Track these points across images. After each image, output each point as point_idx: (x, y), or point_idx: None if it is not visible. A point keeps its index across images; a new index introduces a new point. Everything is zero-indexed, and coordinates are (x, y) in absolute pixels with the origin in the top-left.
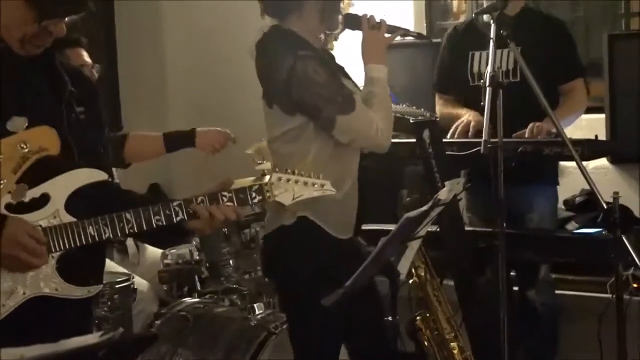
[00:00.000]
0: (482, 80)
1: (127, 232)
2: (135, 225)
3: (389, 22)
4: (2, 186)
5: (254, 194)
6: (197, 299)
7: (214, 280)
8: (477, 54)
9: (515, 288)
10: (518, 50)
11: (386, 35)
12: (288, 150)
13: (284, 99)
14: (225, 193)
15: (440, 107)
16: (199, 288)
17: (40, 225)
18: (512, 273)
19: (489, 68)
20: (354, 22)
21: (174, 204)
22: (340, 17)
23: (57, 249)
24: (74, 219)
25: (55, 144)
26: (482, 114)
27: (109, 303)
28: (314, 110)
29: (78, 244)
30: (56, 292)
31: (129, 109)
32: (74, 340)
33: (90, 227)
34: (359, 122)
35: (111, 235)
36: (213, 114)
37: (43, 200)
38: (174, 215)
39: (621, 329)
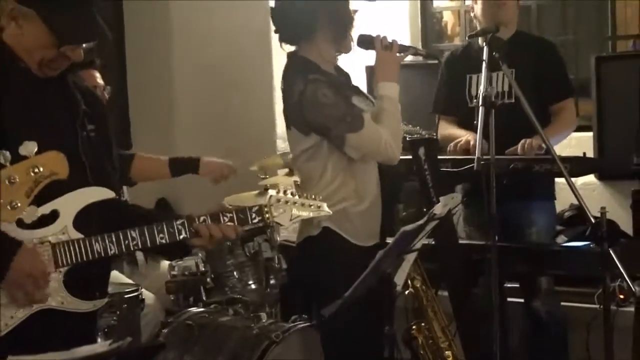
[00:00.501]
0: (474, 100)
1: (132, 248)
2: (140, 243)
3: (400, 42)
4: (17, 209)
5: (253, 215)
6: (202, 309)
7: (219, 291)
8: (474, 76)
9: (511, 299)
10: (510, 72)
11: (398, 54)
12: (308, 167)
13: (298, 120)
14: (227, 213)
15: (441, 129)
16: (204, 298)
17: (49, 241)
18: (507, 285)
19: (481, 88)
20: (366, 42)
21: (178, 222)
22: (352, 38)
23: (65, 264)
24: (82, 236)
25: (64, 168)
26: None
27: (118, 312)
28: (324, 130)
29: (85, 260)
30: (62, 305)
31: (137, 128)
32: (85, 348)
33: (97, 243)
34: (367, 139)
35: (117, 252)
36: (218, 133)
37: (52, 217)
38: (177, 234)
39: (608, 339)
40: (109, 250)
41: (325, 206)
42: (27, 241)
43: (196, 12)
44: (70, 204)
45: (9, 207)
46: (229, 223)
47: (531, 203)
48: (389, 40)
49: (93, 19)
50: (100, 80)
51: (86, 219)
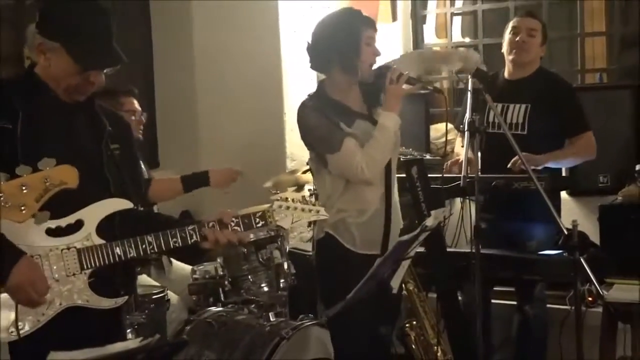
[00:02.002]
0: (461, 126)
1: (148, 252)
2: (155, 246)
3: (409, 75)
4: (25, 212)
5: (257, 219)
6: (220, 309)
7: (235, 293)
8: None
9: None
10: (526, 106)
11: (404, 86)
12: (315, 179)
13: (302, 138)
14: (233, 218)
15: (456, 146)
16: (222, 299)
17: (75, 247)
18: (501, 289)
19: (467, 115)
20: (381, 74)
21: (189, 228)
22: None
23: (89, 267)
24: (103, 241)
25: (74, 178)
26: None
27: (147, 312)
28: (311, 148)
29: (107, 262)
30: (87, 303)
31: (164, 147)
32: (118, 345)
33: (117, 247)
34: (342, 160)
35: (135, 255)
36: (236, 153)
37: (78, 226)
38: (188, 238)
39: (579, 336)
40: (128, 253)
41: (323, 210)
42: (56, 247)
43: (217, 47)
44: (93, 213)
45: (18, 210)
46: (235, 227)
47: (531, 221)
48: (402, 73)
49: (111, 47)
50: (137, 106)
51: (108, 227)
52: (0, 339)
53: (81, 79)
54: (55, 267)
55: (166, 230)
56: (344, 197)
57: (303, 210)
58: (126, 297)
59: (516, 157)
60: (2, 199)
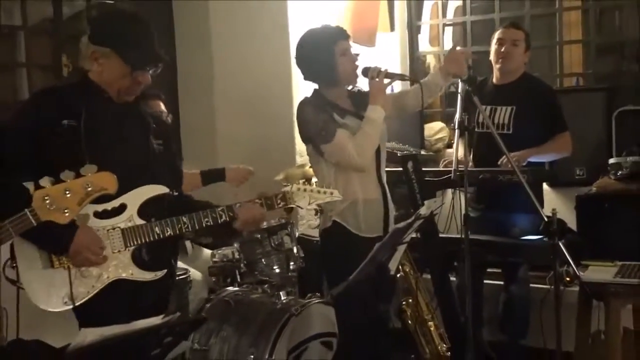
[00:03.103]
0: (451, 124)
1: (183, 230)
2: (190, 226)
3: (389, 71)
4: (68, 214)
5: (279, 200)
6: (237, 288)
7: (250, 274)
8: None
9: (486, 281)
10: (511, 108)
11: (385, 80)
12: (315, 170)
13: (300, 133)
14: (257, 200)
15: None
16: (238, 280)
17: (120, 227)
18: (490, 270)
19: (457, 116)
20: (365, 73)
21: (219, 209)
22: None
23: (132, 244)
24: (144, 222)
25: (113, 185)
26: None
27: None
28: (307, 141)
29: (148, 240)
30: (132, 276)
31: (187, 145)
32: (143, 321)
33: (157, 227)
34: (336, 149)
35: (172, 233)
36: (250, 149)
37: (122, 209)
38: (218, 218)
39: (558, 312)
40: (165, 232)
41: (337, 192)
42: (103, 227)
43: (233, 57)
44: (135, 198)
45: (61, 212)
46: (280, 202)
47: (516, 211)
48: (380, 69)
49: (154, 49)
50: (164, 108)
51: (149, 209)
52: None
53: (131, 80)
54: (109, 244)
55: (199, 211)
56: (345, 187)
57: (319, 192)
58: (165, 271)
59: (504, 157)
60: (48, 202)
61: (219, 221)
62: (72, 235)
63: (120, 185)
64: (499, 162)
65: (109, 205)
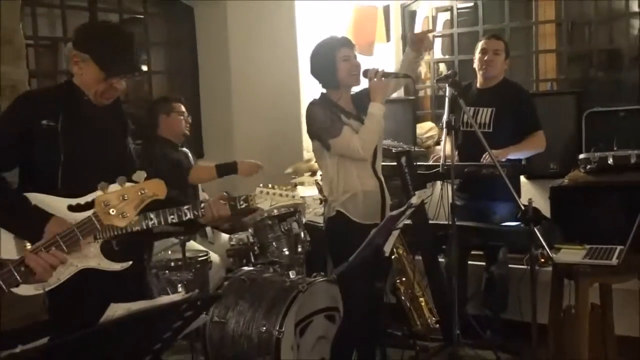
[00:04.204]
0: (440, 124)
1: (150, 226)
2: (156, 222)
3: (385, 71)
4: (126, 218)
5: (241, 202)
6: (251, 268)
7: (263, 256)
8: (466, 108)
9: (470, 262)
10: (492, 109)
11: (383, 79)
12: (319, 165)
13: (308, 130)
14: (222, 201)
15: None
16: (252, 261)
17: None
18: (473, 253)
19: (444, 116)
20: (365, 74)
21: (185, 207)
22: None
23: (101, 237)
24: None
25: (163, 191)
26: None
27: (193, 270)
28: (314, 137)
29: (115, 234)
30: (99, 265)
31: (208, 141)
32: (165, 297)
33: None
34: (342, 143)
35: (139, 228)
36: (262, 145)
37: (94, 203)
38: (184, 215)
39: (533, 289)
40: (133, 227)
41: (298, 193)
42: (74, 219)
43: (248, 63)
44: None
45: (120, 216)
46: (242, 204)
47: (496, 200)
48: (377, 70)
49: (131, 58)
50: (184, 109)
51: None
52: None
53: (106, 85)
54: None
55: (165, 208)
56: (346, 180)
57: (281, 195)
58: (130, 262)
59: (486, 153)
60: (108, 207)
61: (184, 219)
62: (44, 224)
63: (97, 182)
64: (482, 158)
65: (82, 200)
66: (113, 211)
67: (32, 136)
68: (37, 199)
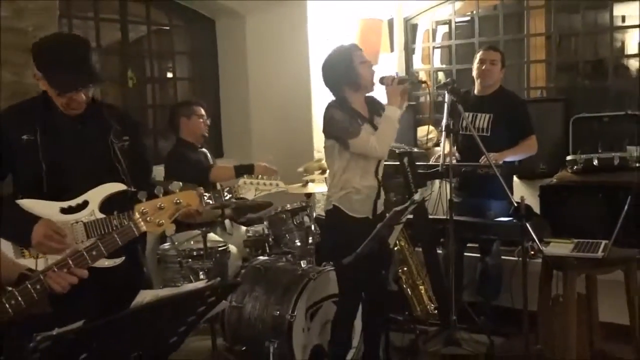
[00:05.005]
0: (439, 127)
1: None
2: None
3: (400, 76)
4: (161, 225)
5: (225, 193)
6: (266, 258)
7: (277, 247)
8: (465, 113)
9: (466, 254)
10: (489, 115)
11: (399, 85)
12: (327, 162)
13: (324, 129)
14: (206, 193)
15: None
16: (267, 251)
17: (82, 221)
18: (469, 245)
19: (443, 121)
20: (381, 80)
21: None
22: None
23: (93, 235)
24: (104, 216)
25: (196, 201)
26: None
27: (214, 260)
28: (332, 137)
29: (107, 231)
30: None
31: (227, 142)
32: (190, 285)
33: (115, 220)
34: (361, 143)
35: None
36: (277, 145)
37: (84, 205)
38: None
39: (524, 279)
40: (123, 223)
41: (281, 184)
42: (67, 221)
43: (264, 71)
44: (96, 195)
45: (158, 224)
46: (208, 200)
47: (491, 198)
48: (394, 77)
49: (82, 72)
50: (204, 112)
51: (110, 204)
52: None
53: (67, 99)
54: (70, 236)
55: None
56: (348, 178)
57: (265, 184)
58: (122, 258)
59: (483, 156)
60: (145, 215)
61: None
62: (30, 229)
63: (83, 184)
64: (480, 160)
65: (73, 202)
66: (150, 218)
67: (15, 150)
68: (29, 204)
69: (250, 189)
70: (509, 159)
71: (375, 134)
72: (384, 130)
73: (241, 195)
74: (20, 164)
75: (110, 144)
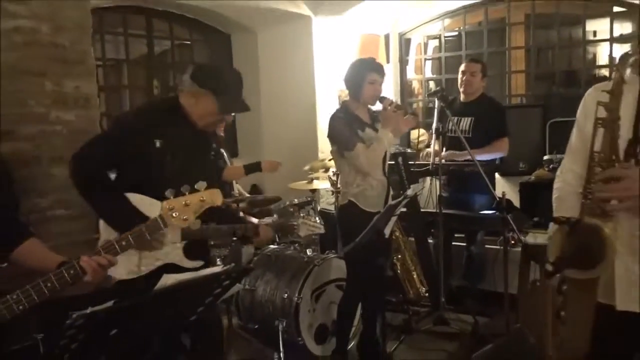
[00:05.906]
0: (430, 130)
1: (219, 238)
2: (228, 233)
3: (397, 103)
4: (186, 221)
5: (293, 229)
6: (276, 246)
7: (285, 237)
8: (452, 118)
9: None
10: (471, 119)
11: (395, 111)
12: (337, 164)
13: (328, 135)
14: (269, 222)
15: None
16: (277, 240)
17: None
18: (457, 235)
19: (434, 124)
20: (380, 101)
21: (237, 226)
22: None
23: (185, 239)
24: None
25: (219, 199)
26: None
27: (229, 247)
28: (333, 143)
29: (198, 238)
30: (179, 262)
31: (242, 143)
32: (208, 269)
33: (208, 230)
34: (353, 157)
35: (212, 240)
36: (285, 146)
37: None
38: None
39: (505, 266)
40: (212, 237)
41: (322, 228)
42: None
43: (274, 81)
44: None
45: (182, 219)
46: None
47: (475, 192)
48: (392, 102)
49: (241, 97)
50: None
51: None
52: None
53: (218, 118)
54: (169, 236)
55: (233, 223)
56: (359, 177)
57: (315, 226)
58: (202, 262)
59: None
60: (172, 211)
61: (239, 234)
62: (133, 222)
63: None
64: (461, 157)
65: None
66: (176, 214)
67: (144, 152)
68: (135, 199)
69: (304, 228)
70: (479, 157)
71: (366, 152)
72: (373, 150)
73: (299, 233)
74: (143, 165)
75: (209, 157)
